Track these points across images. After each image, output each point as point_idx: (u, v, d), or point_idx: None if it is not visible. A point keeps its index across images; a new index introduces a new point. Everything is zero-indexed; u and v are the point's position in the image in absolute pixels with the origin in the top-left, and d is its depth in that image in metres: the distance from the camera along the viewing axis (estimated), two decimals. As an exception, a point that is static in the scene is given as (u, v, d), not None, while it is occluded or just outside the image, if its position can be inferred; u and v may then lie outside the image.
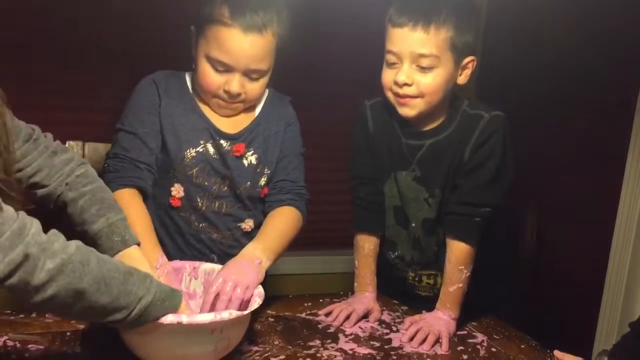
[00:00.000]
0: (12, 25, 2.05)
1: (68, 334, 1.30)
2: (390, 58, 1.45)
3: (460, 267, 1.51)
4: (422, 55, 1.41)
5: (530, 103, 2.35)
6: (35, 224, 0.94)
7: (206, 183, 1.52)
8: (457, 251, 1.51)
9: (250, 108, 1.57)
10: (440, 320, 1.50)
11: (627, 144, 1.96)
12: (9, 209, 0.92)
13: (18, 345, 1.23)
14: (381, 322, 1.56)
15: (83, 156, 1.70)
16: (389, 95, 1.49)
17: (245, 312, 1.17)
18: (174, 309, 1.08)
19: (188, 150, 1.49)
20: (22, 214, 0.94)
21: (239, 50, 1.41)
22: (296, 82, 1.87)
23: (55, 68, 2.14)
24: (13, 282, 0.90)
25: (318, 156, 2.39)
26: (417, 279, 1.67)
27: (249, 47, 1.41)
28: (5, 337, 1.25)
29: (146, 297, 1.03)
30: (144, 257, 1.25)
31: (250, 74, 1.45)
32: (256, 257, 1.37)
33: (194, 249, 1.55)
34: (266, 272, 1.38)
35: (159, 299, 1.05)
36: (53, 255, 0.92)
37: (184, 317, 1.07)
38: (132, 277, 1.03)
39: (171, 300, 1.08)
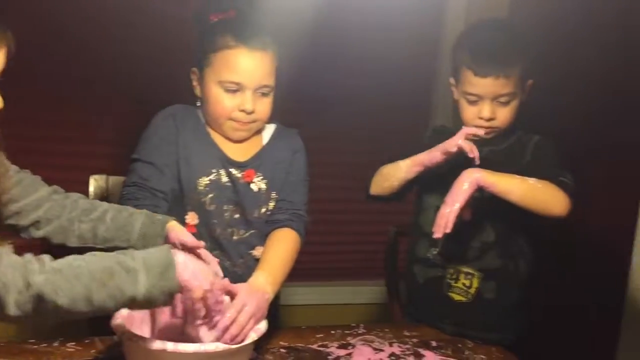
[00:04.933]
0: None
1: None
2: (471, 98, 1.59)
3: None
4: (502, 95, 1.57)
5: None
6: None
7: (218, 210, 1.55)
8: None
9: (258, 137, 1.62)
10: None
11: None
12: None
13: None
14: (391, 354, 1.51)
15: (107, 189, 1.77)
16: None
17: (234, 347, 1.18)
18: (172, 289, 1.07)
19: (201, 179, 1.54)
20: None
21: (248, 68, 1.48)
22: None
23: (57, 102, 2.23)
24: None
25: (343, 186, 2.40)
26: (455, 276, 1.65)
27: (258, 63, 1.49)
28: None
29: (136, 292, 1.03)
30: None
31: (260, 90, 1.51)
32: (266, 291, 1.38)
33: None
34: (280, 304, 1.39)
35: (152, 287, 1.04)
36: (19, 293, 0.96)
37: (169, 345, 1.09)
38: (114, 279, 1.02)
39: (166, 281, 1.06)
